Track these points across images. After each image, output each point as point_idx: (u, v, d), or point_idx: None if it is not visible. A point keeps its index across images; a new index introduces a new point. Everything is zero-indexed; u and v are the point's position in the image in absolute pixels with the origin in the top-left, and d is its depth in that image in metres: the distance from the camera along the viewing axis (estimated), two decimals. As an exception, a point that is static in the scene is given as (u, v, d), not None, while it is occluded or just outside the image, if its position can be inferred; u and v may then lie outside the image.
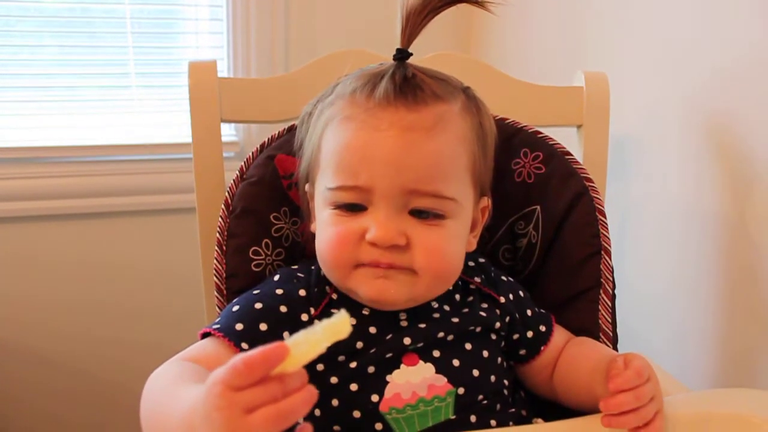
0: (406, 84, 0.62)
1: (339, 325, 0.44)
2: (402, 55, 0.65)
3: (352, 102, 0.63)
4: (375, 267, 0.62)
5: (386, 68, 0.65)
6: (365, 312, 0.65)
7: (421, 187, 0.61)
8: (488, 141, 0.69)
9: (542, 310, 0.74)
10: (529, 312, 0.72)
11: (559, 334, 0.74)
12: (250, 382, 0.42)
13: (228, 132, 1.44)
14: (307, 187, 0.70)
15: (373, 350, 0.64)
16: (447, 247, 0.64)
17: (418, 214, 0.62)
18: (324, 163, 0.65)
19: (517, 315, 0.71)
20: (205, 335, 0.63)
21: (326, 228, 0.64)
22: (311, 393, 0.43)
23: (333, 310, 0.65)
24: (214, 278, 0.74)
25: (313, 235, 0.68)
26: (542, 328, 0.72)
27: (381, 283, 0.62)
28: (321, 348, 0.43)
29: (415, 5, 0.64)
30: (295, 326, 0.64)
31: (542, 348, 0.72)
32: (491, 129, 0.70)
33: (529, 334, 0.72)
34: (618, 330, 0.77)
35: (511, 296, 0.71)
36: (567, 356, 0.72)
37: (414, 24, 0.64)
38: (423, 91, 0.62)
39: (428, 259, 0.62)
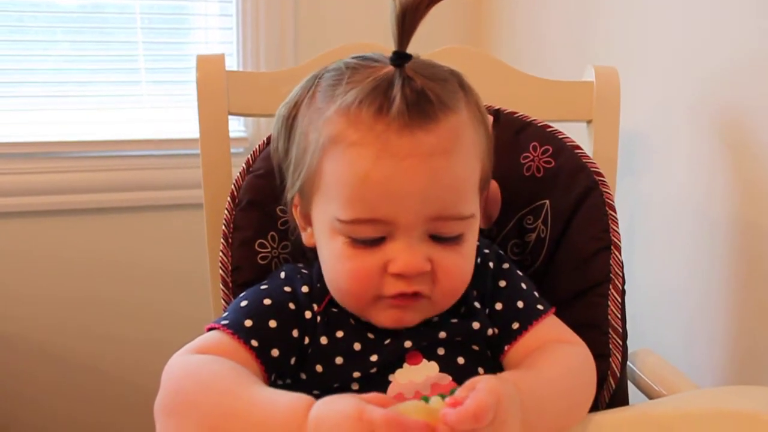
0: (416, 99, 0.57)
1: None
2: (401, 60, 0.59)
3: (357, 121, 0.57)
4: (399, 298, 0.60)
5: (384, 76, 0.58)
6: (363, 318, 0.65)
7: (444, 212, 0.59)
8: (489, 133, 0.67)
9: (537, 306, 0.69)
10: (500, 306, 0.68)
11: (536, 336, 0.66)
12: None
13: (237, 128, 1.44)
14: (296, 198, 0.67)
15: (373, 357, 0.63)
16: (466, 266, 0.63)
17: (440, 240, 0.60)
18: (330, 190, 0.60)
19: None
20: (211, 330, 0.62)
21: (341, 261, 0.60)
22: None
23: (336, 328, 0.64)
24: (220, 271, 0.73)
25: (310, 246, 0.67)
26: (515, 326, 0.67)
27: (399, 313, 0.61)
28: None
29: (409, 2, 0.57)
30: (301, 324, 0.63)
31: (506, 347, 0.67)
32: (487, 115, 0.67)
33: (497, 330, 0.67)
34: (627, 326, 0.76)
35: (498, 306, 0.68)
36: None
37: (411, 22, 0.58)
38: (432, 103, 0.58)
39: (449, 283, 0.61)
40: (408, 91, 0.57)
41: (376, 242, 0.59)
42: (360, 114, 0.57)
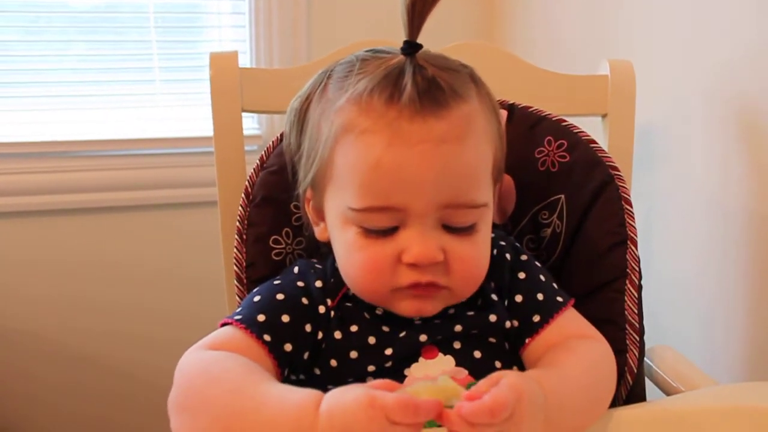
0: (427, 87, 0.57)
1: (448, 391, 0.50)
2: (412, 49, 0.59)
3: (368, 109, 0.57)
4: (415, 288, 0.60)
5: (395, 65, 0.59)
6: (378, 312, 0.65)
7: (457, 200, 0.59)
8: (501, 123, 0.67)
9: (557, 298, 0.68)
10: (519, 298, 0.67)
11: (557, 329, 0.66)
12: (408, 423, 0.46)
13: (250, 125, 1.44)
14: (308, 192, 0.67)
15: (388, 350, 0.62)
16: (481, 256, 0.63)
17: (453, 230, 0.60)
18: (341, 179, 0.60)
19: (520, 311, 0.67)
20: (224, 325, 0.62)
21: (354, 252, 0.60)
22: None
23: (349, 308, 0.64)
24: (234, 267, 0.73)
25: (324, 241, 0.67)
26: (536, 318, 0.67)
27: (419, 303, 0.61)
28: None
29: None
30: (315, 319, 0.63)
31: (527, 340, 0.66)
32: (498, 107, 0.67)
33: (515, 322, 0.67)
34: (644, 321, 0.75)
35: (518, 298, 0.68)
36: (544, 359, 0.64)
37: (421, 11, 0.58)
38: (444, 91, 0.58)
39: (464, 273, 0.61)
40: (419, 79, 0.57)
41: (388, 232, 0.59)
42: (371, 102, 0.57)
